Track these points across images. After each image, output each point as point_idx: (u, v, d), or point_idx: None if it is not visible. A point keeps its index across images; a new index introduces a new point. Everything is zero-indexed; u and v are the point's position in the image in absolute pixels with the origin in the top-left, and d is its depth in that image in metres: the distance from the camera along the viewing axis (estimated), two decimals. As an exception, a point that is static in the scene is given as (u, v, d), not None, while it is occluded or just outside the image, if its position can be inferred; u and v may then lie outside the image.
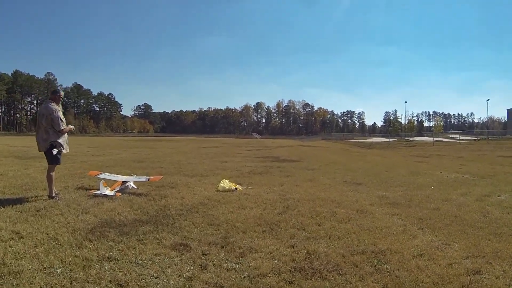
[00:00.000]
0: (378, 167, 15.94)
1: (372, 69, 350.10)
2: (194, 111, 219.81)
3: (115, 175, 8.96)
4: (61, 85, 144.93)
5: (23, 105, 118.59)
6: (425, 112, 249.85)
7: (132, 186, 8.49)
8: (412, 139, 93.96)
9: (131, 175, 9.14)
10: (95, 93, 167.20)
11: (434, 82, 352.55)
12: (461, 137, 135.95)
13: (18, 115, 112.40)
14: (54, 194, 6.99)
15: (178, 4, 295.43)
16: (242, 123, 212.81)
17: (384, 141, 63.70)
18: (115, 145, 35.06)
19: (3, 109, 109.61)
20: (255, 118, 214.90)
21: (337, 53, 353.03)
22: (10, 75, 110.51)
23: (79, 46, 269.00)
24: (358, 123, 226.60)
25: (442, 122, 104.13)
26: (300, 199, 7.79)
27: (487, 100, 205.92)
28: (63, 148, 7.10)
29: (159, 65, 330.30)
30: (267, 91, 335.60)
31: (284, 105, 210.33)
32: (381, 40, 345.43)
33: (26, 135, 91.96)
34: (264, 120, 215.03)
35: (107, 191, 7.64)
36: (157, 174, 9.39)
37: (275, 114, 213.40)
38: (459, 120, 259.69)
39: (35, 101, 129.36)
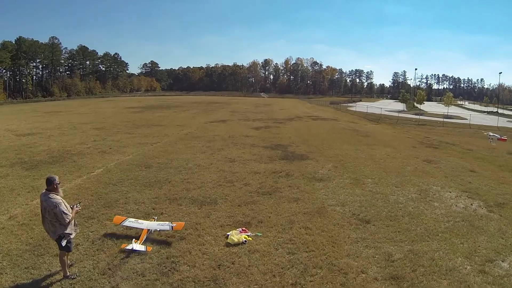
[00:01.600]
0: (387, 178, 15.62)
1: (381, 27, 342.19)
2: (201, 68, 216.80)
3: (139, 221, 9.22)
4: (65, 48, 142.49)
5: (28, 71, 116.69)
6: (434, 75, 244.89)
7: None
8: (421, 108, 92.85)
9: (153, 219, 9.41)
10: (100, 53, 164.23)
11: (444, 43, 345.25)
12: (470, 106, 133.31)
13: (24, 80, 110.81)
14: (68, 274, 6.91)
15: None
16: (250, 79, 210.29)
17: (394, 114, 62.35)
18: (121, 124, 34.57)
19: (8, 75, 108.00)
20: (262, 75, 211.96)
21: (347, 10, 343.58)
22: (13, 42, 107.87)
23: (82, 7, 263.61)
24: (366, 83, 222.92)
25: (451, 94, 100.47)
26: (311, 263, 7.69)
27: (500, 73, 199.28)
28: (72, 236, 6.93)
29: (166, 21, 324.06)
30: (275, 48, 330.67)
31: (292, 62, 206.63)
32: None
33: (32, 101, 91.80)
34: (271, 77, 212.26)
35: (138, 246, 7.97)
36: (178, 221, 9.34)
37: (283, 71, 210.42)
38: (468, 85, 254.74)
39: (40, 66, 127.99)
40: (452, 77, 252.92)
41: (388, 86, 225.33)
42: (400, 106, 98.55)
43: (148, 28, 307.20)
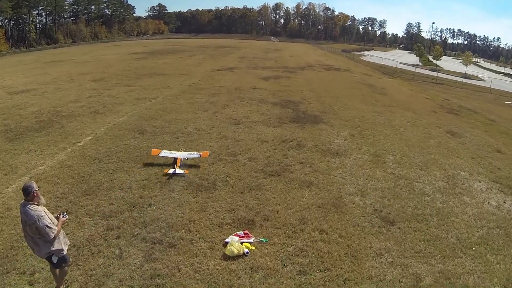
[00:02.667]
0: (410, 155, 13.82)
1: None
2: (210, 10, 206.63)
3: (172, 152, 11.32)
4: None
5: (31, 19, 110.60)
6: (449, 29, 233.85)
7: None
8: (437, 63, 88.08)
9: (182, 150, 11.65)
10: None
11: None
12: (486, 65, 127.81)
13: (27, 29, 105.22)
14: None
15: None
16: (260, 23, 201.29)
17: (409, 69, 59.00)
18: (122, 74, 31.92)
19: (11, 25, 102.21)
20: (273, 19, 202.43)
21: None
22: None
23: None
24: (379, 32, 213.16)
25: (470, 53, 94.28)
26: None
27: None
28: (65, 251, 5.41)
29: None
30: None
31: (303, 7, 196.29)
32: None
33: (36, 50, 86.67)
34: (282, 21, 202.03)
35: (178, 170, 10.22)
36: (204, 151, 11.91)
37: (294, 16, 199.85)
38: (484, 43, 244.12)
39: (43, 13, 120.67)
40: (467, 33, 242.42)
41: (401, 37, 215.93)
42: (414, 58, 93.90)
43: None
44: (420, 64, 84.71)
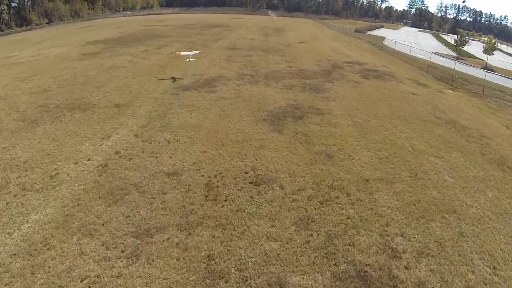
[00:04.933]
0: None
1: None
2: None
3: (187, 52, 28.00)
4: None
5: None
6: (454, 4, 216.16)
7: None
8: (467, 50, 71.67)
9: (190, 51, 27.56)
10: None
11: None
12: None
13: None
14: None
15: None
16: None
17: (449, 64, 43.73)
18: (20, 111, 18.66)
19: None
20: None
21: None
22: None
23: None
24: (384, 6, 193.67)
25: (493, 36, 73.19)
26: None
27: None
28: None
29: None
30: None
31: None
32: None
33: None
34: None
35: (191, 58, 27.23)
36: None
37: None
38: (489, 21, 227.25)
39: None
40: (473, 9, 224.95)
41: (407, 11, 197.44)
42: (431, 39, 77.39)
43: None
44: (457, 56, 66.76)
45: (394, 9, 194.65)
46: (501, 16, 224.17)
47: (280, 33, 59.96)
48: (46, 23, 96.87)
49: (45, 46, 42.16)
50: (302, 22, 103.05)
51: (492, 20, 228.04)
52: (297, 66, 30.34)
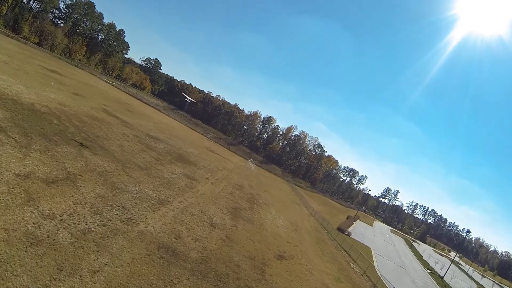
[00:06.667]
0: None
1: (383, 136, 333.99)
2: (201, 92, 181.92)
3: None
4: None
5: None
6: (422, 205, 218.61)
7: None
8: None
9: None
10: (106, 21, 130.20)
11: (434, 175, 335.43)
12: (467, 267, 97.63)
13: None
14: None
15: None
16: (243, 127, 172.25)
17: None
18: None
19: None
20: (258, 130, 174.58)
21: (362, 106, 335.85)
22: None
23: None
24: (361, 189, 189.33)
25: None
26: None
27: (468, 232, 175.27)
28: None
29: (192, 33, 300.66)
30: (279, 109, 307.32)
31: (294, 132, 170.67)
32: (406, 114, 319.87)
33: None
34: (266, 137, 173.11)
35: None
36: None
37: (281, 137, 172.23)
38: (449, 230, 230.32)
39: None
40: (440, 215, 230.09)
41: (382, 203, 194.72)
42: (405, 249, 66.04)
43: (169, 27, 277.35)
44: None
45: (368, 191, 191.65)
46: (464, 228, 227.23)
47: (253, 214, 40.31)
48: (36, 43, 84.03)
49: None
50: (279, 186, 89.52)
51: (453, 229, 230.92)
52: None
